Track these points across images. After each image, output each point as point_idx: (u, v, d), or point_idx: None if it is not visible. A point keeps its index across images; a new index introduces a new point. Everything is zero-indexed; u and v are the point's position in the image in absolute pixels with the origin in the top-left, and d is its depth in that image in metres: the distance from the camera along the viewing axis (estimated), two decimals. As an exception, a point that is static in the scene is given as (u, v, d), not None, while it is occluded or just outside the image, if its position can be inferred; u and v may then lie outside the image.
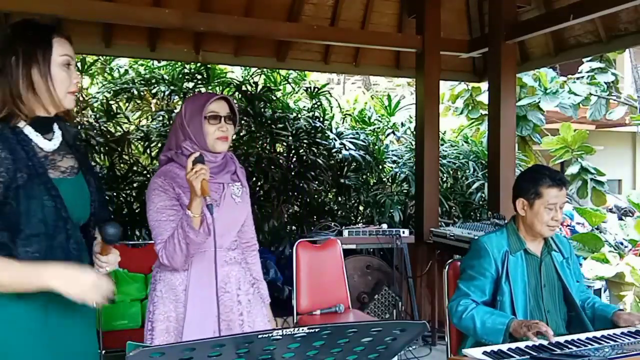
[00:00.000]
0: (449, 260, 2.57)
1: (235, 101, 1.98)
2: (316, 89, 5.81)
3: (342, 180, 5.52)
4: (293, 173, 5.27)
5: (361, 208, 5.75)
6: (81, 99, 4.88)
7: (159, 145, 5.01)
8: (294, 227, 5.38)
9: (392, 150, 6.02)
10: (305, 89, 5.97)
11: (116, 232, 1.45)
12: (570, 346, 1.86)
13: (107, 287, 1.41)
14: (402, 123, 6.42)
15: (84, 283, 1.38)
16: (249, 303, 2.02)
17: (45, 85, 1.46)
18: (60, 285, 1.36)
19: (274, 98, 5.50)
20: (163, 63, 5.46)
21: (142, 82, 5.23)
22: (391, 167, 5.91)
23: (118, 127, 5.01)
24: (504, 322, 2.03)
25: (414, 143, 5.41)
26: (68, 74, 1.51)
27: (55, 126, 1.57)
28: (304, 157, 5.38)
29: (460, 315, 2.15)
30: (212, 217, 1.72)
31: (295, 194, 5.36)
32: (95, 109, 5.02)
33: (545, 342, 1.91)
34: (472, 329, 2.11)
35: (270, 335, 1.01)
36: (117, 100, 5.16)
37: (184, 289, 1.91)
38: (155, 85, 5.18)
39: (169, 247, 1.85)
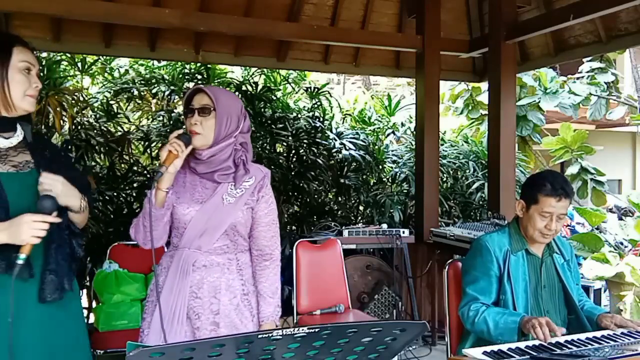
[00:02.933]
0: (449, 260, 2.57)
1: (212, 89, 1.91)
2: (316, 89, 5.81)
3: (342, 180, 5.52)
4: (293, 173, 5.27)
5: (361, 208, 5.75)
6: (81, 99, 4.88)
7: (159, 145, 5.01)
8: (294, 227, 5.38)
9: (392, 150, 6.02)
10: (305, 89, 5.97)
11: (51, 204, 1.58)
12: (570, 346, 1.86)
13: (37, 221, 1.54)
14: (402, 123, 6.42)
15: (18, 231, 1.53)
16: (228, 315, 1.86)
17: (1, 87, 1.63)
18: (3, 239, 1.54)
19: (274, 98, 5.50)
20: (163, 63, 5.46)
21: (142, 82, 5.23)
22: (391, 167, 5.91)
23: (118, 127, 5.01)
24: (516, 320, 2.01)
25: (414, 143, 5.41)
26: (27, 78, 1.66)
27: (19, 127, 1.72)
28: (304, 157, 5.38)
29: (472, 320, 2.13)
30: (153, 184, 1.76)
31: (295, 194, 5.36)
32: (96, 109, 5.02)
33: (545, 342, 1.91)
34: (487, 332, 2.09)
35: (270, 335, 1.01)
36: (117, 100, 5.16)
37: (162, 286, 1.88)
38: (156, 85, 5.18)
39: (136, 220, 1.87)
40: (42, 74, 4.50)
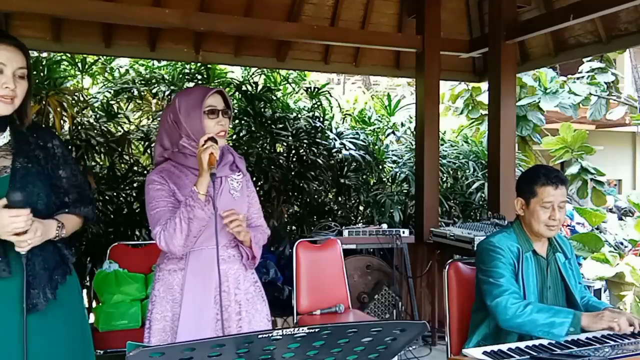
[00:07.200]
0: (449, 260, 2.57)
1: (229, 94, 1.96)
2: (316, 89, 5.81)
3: (342, 180, 5.52)
4: (293, 173, 5.27)
5: (361, 208, 5.75)
6: (81, 99, 4.88)
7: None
8: (294, 227, 5.37)
9: (392, 150, 6.02)
10: (305, 89, 5.96)
11: (20, 196, 1.54)
12: (570, 346, 1.87)
13: (12, 222, 1.51)
14: (402, 123, 6.42)
15: None
16: (248, 302, 1.99)
17: None
18: None
19: (274, 98, 5.50)
20: (163, 63, 5.46)
21: (143, 82, 5.23)
22: (391, 167, 5.91)
23: (118, 127, 5.01)
24: (569, 315, 1.97)
25: (414, 143, 5.41)
26: None
27: (8, 128, 1.68)
28: (304, 157, 5.38)
29: (514, 313, 2.03)
30: (213, 184, 1.79)
31: (295, 194, 5.36)
32: (96, 109, 5.01)
33: (545, 342, 1.91)
34: (533, 326, 2.00)
35: (270, 335, 1.01)
36: (118, 100, 5.16)
37: (180, 289, 1.90)
38: (156, 85, 5.17)
39: (169, 227, 1.82)
40: (42, 74, 4.53)
